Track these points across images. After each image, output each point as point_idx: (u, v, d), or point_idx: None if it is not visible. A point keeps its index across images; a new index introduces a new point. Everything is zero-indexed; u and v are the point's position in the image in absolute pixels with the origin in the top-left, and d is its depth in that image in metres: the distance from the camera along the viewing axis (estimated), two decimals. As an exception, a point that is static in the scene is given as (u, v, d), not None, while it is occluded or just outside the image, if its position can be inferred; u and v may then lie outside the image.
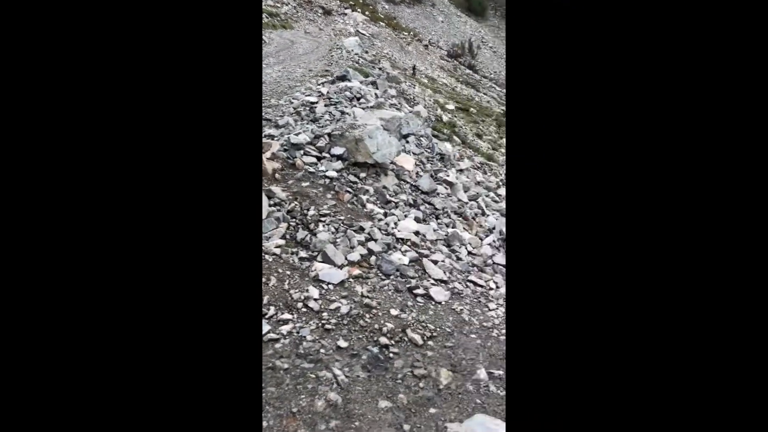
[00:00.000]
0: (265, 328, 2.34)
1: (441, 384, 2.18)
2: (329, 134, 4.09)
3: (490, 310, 2.88)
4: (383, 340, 2.42)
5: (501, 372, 2.29)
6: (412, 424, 1.87)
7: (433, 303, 2.82)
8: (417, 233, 3.50)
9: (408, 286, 2.91)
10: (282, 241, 3.03)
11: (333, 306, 2.58)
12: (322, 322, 2.46)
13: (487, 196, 5.13)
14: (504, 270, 3.42)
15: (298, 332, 2.37)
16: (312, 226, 3.22)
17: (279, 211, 3.25)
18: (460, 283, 3.10)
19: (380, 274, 2.97)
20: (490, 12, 20.21)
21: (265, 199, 3.24)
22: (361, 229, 3.30)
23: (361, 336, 2.43)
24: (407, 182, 4.24)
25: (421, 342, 2.46)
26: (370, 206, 3.61)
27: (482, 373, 2.27)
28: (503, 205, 5.09)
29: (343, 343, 2.34)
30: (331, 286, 2.74)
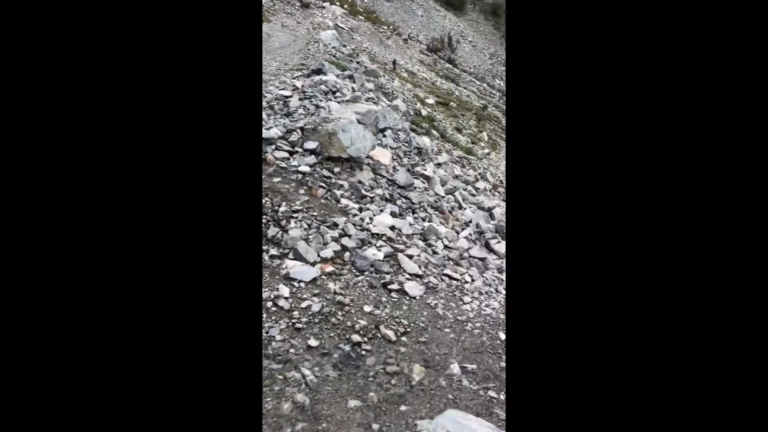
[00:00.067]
0: (232, 329, 2.26)
1: (413, 380, 2.14)
2: (302, 128, 4.00)
3: (464, 303, 2.86)
4: (355, 337, 2.37)
5: (474, 366, 2.28)
6: (381, 422, 1.82)
7: (408, 298, 2.79)
8: (392, 228, 3.45)
9: (382, 281, 2.86)
10: (252, 239, 2.94)
11: (304, 304, 2.51)
12: (293, 321, 2.39)
13: (465, 189, 5.13)
14: (479, 263, 3.41)
15: (267, 332, 2.29)
16: (283, 222, 3.13)
17: (249, 207, 3.15)
18: (435, 277, 3.07)
19: (354, 271, 2.92)
20: (468, 6, 20.24)
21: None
22: (335, 225, 3.23)
23: (332, 334, 2.37)
24: (383, 176, 4.19)
25: (394, 338, 2.42)
26: (344, 201, 3.54)
27: (455, 368, 2.25)
28: (480, 198, 5.09)
29: (313, 342, 2.28)
30: (302, 284, 2.67)
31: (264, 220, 3.13)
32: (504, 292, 3.12)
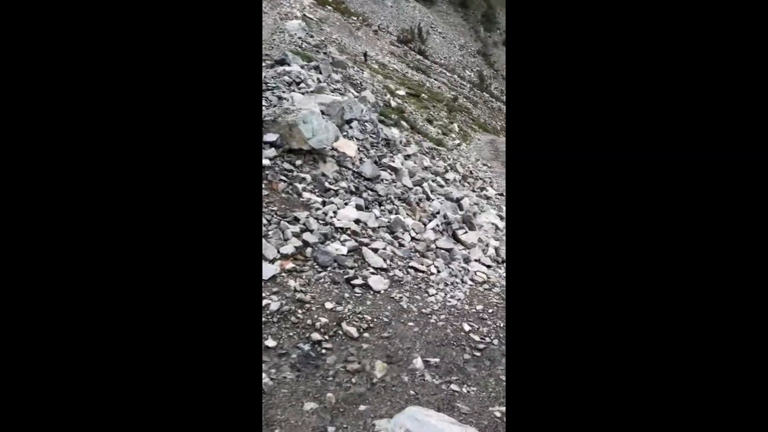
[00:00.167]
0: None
1: (375, 377, 2.07)
2: (262, 120, 3.84)
3: (429, 295, 2.81)
4: (316, 336, 2.28)
5: (437, 360, 2.23)
6: (338, 425, 1.75)
7: (372, 293, 2.71)
8: (357, 221, 3.36)
9: (346, 277, 2.78)
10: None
11: (262, 303, 2.40)
12: (249, 321, 2.28)
13: (433, 181, 5.08)
14: (445, 254, 3.38)
15: (220, 335, 2.17)
16: (241, 218, 2.99)
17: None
18: (400, 270, 3.01)
19: (316, 266, 2.82)
20: (439, -3, 20.18)
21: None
22: (296, 220, 3.11)
23: (291, 334, 2.27)
24: (349, 169, 4.09)
25: (356, 335, 2.34)
26: (306, 195, 3.42)
27: (418, 362, 2.19)
28: (449, 189, 5.06)
29: (271, 343, 2.18)
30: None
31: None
32: (469, 282, 3.10)
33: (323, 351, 2.20)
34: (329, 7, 15.09)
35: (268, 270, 2.63)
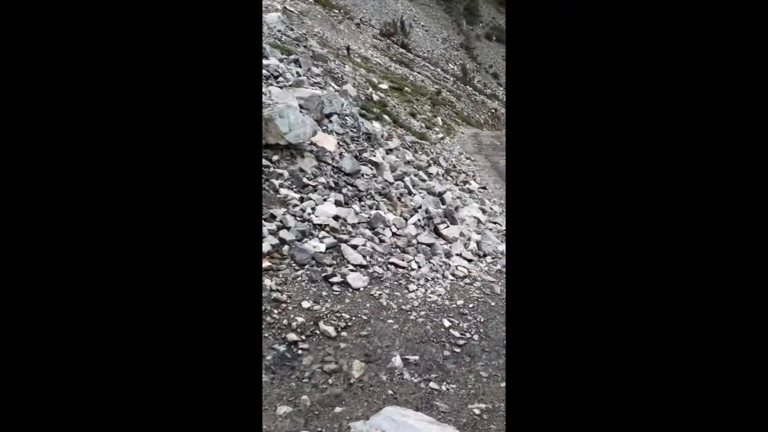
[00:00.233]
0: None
1: (352, 377, 2.03)
2: (237, 115, 3.72)
3: (410, 292, 2.77)
4: (292, 336, 2.21)
5: (416, 357, 2.19)
6: (312, 428, 1.70)
7: (350, 290, 2.66)
8: (336, 218, 3.29)
9: (324, 274, 2.71)
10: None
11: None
12: (221, 323, 2.20)
13: (415, 175, 5.04)
14: (426, 249, 3.34)
15: (191, 338, 2.09)
16: (215, 217, 2.90)
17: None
18: (380, 266, 2.96)
19: (293, 265, 2.74)
20: (421, -10, 20.04)
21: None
22: (273, 217, 3.03)
23: (267, 334, 2.20)
24: (328, 164, 4.00)
25: (334, 334, 2.28)
26: (284, 191, 3.33)
27: (397, 360, 2.15)
28: (432, 183, 5.02)
29: (245, 345, 2.11)
30: (234, 283, 2.47)
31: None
32: (450, 277, 3.07)
33: (299, 352, 2.14)
34: (310, 0, 14.84)
35: (242, 269, 2.56)
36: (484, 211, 4.87)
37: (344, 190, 3.77)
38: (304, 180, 3.58)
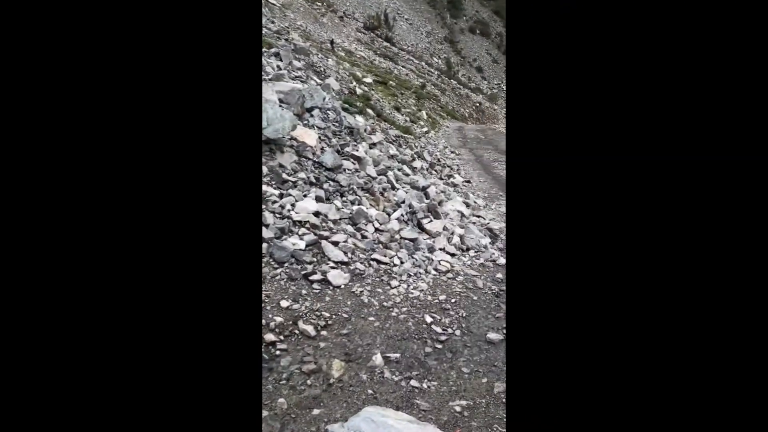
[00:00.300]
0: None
1: (332, 377, 1.98)
2: (213, 109, 3.61)
3: (392, 288, 2.73)
4: (270, 336, 2.15)
5: (397, 355, 2.15)
6: (288, 432, 1.64)
7: (331, 288, 2.60)
8: (317, 214, 3.22)
9: (303, 272, 2.65)
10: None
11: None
12: (196, 325, 2.12)
13: (399, 170, 4.99)
14: (409, 244, 3.30)
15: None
16: (189, 215, 2.80)
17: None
18: (362, 263, 2.91)
19: (272, 263, 2.67)
20: (405, -17, 19.87)
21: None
22: (250, 214, 2.95)
23: (243, 336, 2.13)
24: (309, 159, 3.92)
25: (313, 333, 2.23)
26: (262, 187, 3.24)
27: (378, 359, 2.11)
28: (415, 177, 4.98)
29: (220, 347, 2.04)
30: (209, 283, 2.39)
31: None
32: (433, 272, 3.03)
33: (277, 353, 2.08)
34: (292, -8, 14.57)
35: (218, 269, 2.47)
36: (467, 205, 4.85)
37: (325, 186, 3.69)
38: (284, 175, 3.49)
